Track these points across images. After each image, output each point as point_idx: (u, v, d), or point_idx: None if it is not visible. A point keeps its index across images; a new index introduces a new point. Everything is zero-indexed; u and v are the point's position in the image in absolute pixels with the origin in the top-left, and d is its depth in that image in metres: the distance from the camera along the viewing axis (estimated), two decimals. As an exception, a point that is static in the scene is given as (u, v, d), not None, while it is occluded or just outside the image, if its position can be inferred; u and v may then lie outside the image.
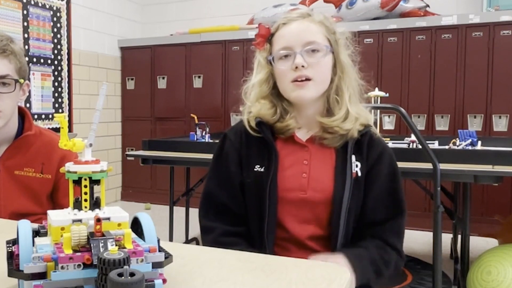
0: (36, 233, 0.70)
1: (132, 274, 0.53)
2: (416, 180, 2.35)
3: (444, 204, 1.89)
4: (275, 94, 1.21)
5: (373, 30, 3.77)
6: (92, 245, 0.60)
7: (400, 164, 1.96)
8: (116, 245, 0.61)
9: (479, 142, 2.22)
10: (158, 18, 5.10)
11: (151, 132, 4.69)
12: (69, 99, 4.15)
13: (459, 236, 2.60)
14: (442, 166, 1.84)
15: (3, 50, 1.31)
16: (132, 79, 4.81)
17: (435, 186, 1.84)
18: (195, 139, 2.68)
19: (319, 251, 1.16)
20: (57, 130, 3.65)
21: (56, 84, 4.01)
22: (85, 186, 0.67)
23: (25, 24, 3.70)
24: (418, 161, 1.97)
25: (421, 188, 2.45)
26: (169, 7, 5.04)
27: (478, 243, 3.12)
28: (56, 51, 4.00)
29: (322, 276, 0.76)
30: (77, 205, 0.67)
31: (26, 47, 3.70)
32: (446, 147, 2.17)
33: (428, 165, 1.84)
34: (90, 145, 0.68)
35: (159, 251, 0.65)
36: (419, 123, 3.68)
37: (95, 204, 0.68)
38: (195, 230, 3.19)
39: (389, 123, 3.78)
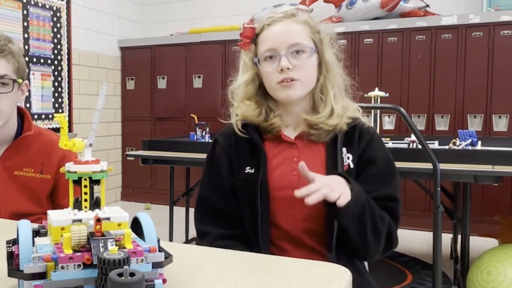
0: (36, 233, 0.70)
1: (132, 274, 0.53)
2: (416, 180, 2.35)
3: (444, 204, 1.89)
4: (261, 94, 1.23)
5: (373, 30, 3.77)
6: (92, 245, 0.60)
7: (400, 164, 1.98)
8: (116, 245, 0.61)
9: (479, 142, 2.22)
10: (158, 18, 5.10)
11: (151, 132, 4.69)
12: (69, 99, 4.15)
13: (459, 236, 2.60)
14: (442, 166, 1.84)
15: (1, 50, 1.31)
16: (132, 79, 4.81)
17: (435, 186, 1.84)
18: (195, 139, 2.68)
19: (316, 248, 1.16)
20: (57, 130, 3.65)
21: (56, 84, 4.01)
22: (85, 186, 0.67)
23: (25, 24, 3.70)
24: (418, 161, 1.97)
25: (421, 188, 2.45)
26: (169, 7, 5.04)
27: (478, 243, 3.12)
28: (56, 51, 4.00)
29: (322, 276, 0.76)
30: (77, 205, 0.67)
31: (26, 47, 3.70)
32: (446, 147, 2.16)
33: (428, 165, 1.84)
34: (90, 145, 0.69)
35: (159, 251, 0.65)
36: (419, 123, 3.68)
37: (95, 204, 0.68)
38: (195, 230, 3.18)
39: (389, 123, 3.78)
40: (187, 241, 3.13)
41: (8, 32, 3.43)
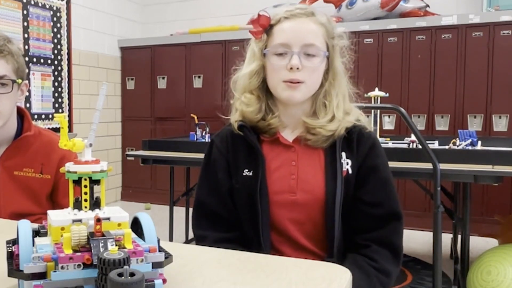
0: (36, 233, 0.70)
1: (132, 274, 0.53)
2: (416, 180, 2.35)
3: (444, 204, 1.89)
4: (263, 89, 1.18)
5: (373, 30, 3.77)
6: (92, 245, 0.60)
7: (400, 164, 1.99)
8: (116, 245, 0.61)
9: (479, 142, 2.22)
10: (158, 18, 5.10)
11: (151, 132, 4.69)
12: (69, 99, 4.15)
13: (459, 236, 2.60)
14: (442, 166, 1.84)
15: (0, 51, 1.31)
16: (132, 79, 4.81)
17: (435, 186, 1.84)
18: (195, 139, 2.68)
19: (317, 252, 1.15)
20: (57, 130, 3.65)
21: (56, 84, 4.01)
22: (85, 186, 0.67)
23: (25, 24, 3.70)
24: (418, 161, 1.96)
25: (421, 188, 2.45)
26: (169, 7, 5.04)
27: (478, 243, 3.12)
28: (56, 51, 4.00)
29: (322, 276, 0.76)
30: (77, 205, 0.67)
31: (26, 47, 3.70)
32: (446, 147, 2.16)
33: (428, 165, 1.84)
34: (90, 145, 0.68)
35: (159, 251, 0.65)
36: (419, 123, 3.68)
37: (95, 204, 0.68)
38: (195, 230, 3.18)
39: (389, 123, 3.78)
40: (187, 241, 3.13)
41: (8, 32, 3.43)
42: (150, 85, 4.69)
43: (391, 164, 1.22)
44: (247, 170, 1.16)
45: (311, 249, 1.15)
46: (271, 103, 1.18)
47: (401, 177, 2.10)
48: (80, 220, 0.65)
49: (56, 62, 4.00)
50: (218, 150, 1.22)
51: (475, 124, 3.54)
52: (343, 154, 1.14)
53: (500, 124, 3.49)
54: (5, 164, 1.39)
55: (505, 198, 3.47)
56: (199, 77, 4.49)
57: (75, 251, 0.60)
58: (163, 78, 4.65)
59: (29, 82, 3.63)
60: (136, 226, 0.71)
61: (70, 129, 4.13)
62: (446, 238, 2.90)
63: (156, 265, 0.63)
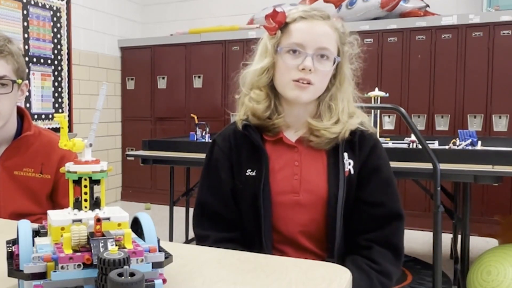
0: (36, 233, 0.70)
1: (132, 274, 0.53)
2: (416, 180, 2.35)
3: (444, 204, 1.89)
4: (272, 87, 1.18)
5: (373, 30, 3.77)
6: (92, 245, 0.60)
7: (400, 164, 1.99)
8: (116, 245, 0.61)
9: (479, 142, 2.22)
10: (158, 18, 5.10)
11: (151, 132, 4.69)
12: (69, 99, 4.15)
13: (459, 236, 2.60)
14: (442, 166, 1.84)
15: (0, 51, 1.31)
16: (132, 79, 4.81)
17: (435, 186, 1.84)
18: (195, 139, 2.68)
19: (318, 253, 1.15)
20: (57, 130, 3.65)
21: (56, 84, 4.01)
22: (85, 186, 0.67)
23: (25, 24, 3.70)
24: (418, 161, 1.96)
25: (421, 188, 2.45)
26: (169, 7, 5.04)
27: (478, 243, 3.12)
28: (56, 51, 4.00)
29: (322, 276, 0.76)
30: (77, 205, 0.67)
31: (26, 47, 3.70)
32: (446, 147, 2.16)
33: (428, 165, 1.84)
34: (90, 145, 0.68)
35: (159, 251, 0.65)
36: (419, 123, 3.68)
37: (95, 204, 0.68)
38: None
39: (389, 123, 3.78)
40: (187, 241, 3.13)
41: (8, 32, 3.43)
42: (150, 85, 4.69)
43: (391, 164, 1.22)
44: (250, 170, 1.16)
45: (312, 250, 1.15)
46: (277, 103, 1.18)
47: (401, 177, 2.09)
48: (80, 220, 0.65)
49: (56, 62, 4.00)
50: (221, 149, 1.21)
51: (475, 124, 3.54)
52: (345, 154, 1.15)
53: (500, 124, 3.49)
54: (5, 164, 1.39)
55: (505, 198, 3.47)
56: (199, 77, 4.49)
57: (75, 251, 0.60)
58: (163, 78, 4.65)
59: (29, 82, 3.63)
60: (136, 226, 0.71)
61: (70, 129, 4.13)
62: (446, 238, 2.90)
63: (156, 265, 0.63)
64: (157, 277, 0.62)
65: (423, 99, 3.67)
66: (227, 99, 4.33)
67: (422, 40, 3.65)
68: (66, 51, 4.10)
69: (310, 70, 1.10)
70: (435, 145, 2.32)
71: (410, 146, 2.21)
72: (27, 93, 1.48)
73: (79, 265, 0.58)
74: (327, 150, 1.16)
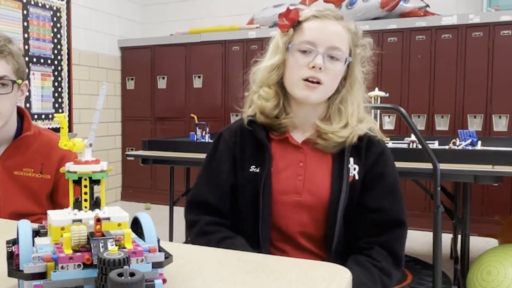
0: (36, 233, 0.70)
1: (132, 274, 0.53)
2: (416, 180, 2.35)
3: (444, 204, 1.89)
4: (282, 85, 1.17)
5: (373, 30, 3.76)
6: (92, 245, 0.60)
7: (400, 164, 1.98)
8: (116, 245, 0.61)
9: (479, 142, 2.22)
10: (158, 18, 5.10)
11: (151, 132, 4.69)
12: (69, 99, 4.15)
13: (459, 236, 2.59)
14: (442, 166, 1.84)
15: (1, 51, 1.31)
16: (132, 79, 4.81)
17: (435, 186, 1.84)
18: (195, 139, 2.68)
19: (315, 252, 1.15)
20: (57, 130, 3.65)
21: (56, 84, 4.01)
22: (85, 186, 0.67)
23: (25, 24, 3.70)
24: (418, 161, 1.96)
25: (421, 188, 2.45)
26: (169, 7, 5.04)
27: (478, 243, 3.12)
28: (56, 51, 4.00)
29: (322, 276, 0.76)
30: (77, 205, 0.67)
31: (26, 47, 3.70)
32: (446, 147, 2.16)
33: (428, 165, 1.84)
34: (90, 145, 0.68)
35: (159, 251, 0.65)
36: (419, 123, 3.68)
37: (95, 204, 0.68)
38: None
39: (389, 123, 3.78)
40: (187, 241, 3.12)
41: (8, 32, 3.43)
42: (150, 85, 4.69)
43: (391, 164, 1.22)
44: (254, 166, 1.15)
45: (311, 250, 1.16)
46: (286, 103, 1.17)
47: (401, 177, 2.09)
48: (80, 220, 0.65)
49: (56, 62, 4.00)
50: (226, 143, 1.21)
51: (475, 124, 3.54)
52: (351, 159, 1.14)
53: (500, 124, 3.49)
54: (5, 164, 1.39)
55: (505, 198, 3.47)
56: (199, 77, 4.49)
57: (75, 251, 0.60)
58: (163, 78, 4.65)
59: (29, 82, 3.63)
60: (136, 226, 0.71)
61: (70, 129, 4.13)
62: (446, 238, 2.90)
63: (156, 265, 0.63)
64: (157, 277, 0.62)
65: (423, 99, 3.67)
66: (227, 99, 4.33)
67: (422, 40, 3.65)
68: (66, 51, 4.10)
69: (320, 68, 1.09)
70: (435, 145, 2.32)
71: (410, 146, 2.21)
72: (27, 93, 1.48)
73: (79, 265, 0.58)
74: (332, 153, 1.15)
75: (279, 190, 1.14)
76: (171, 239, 2.91)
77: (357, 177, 1.14)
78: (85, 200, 0.67)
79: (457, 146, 2.18)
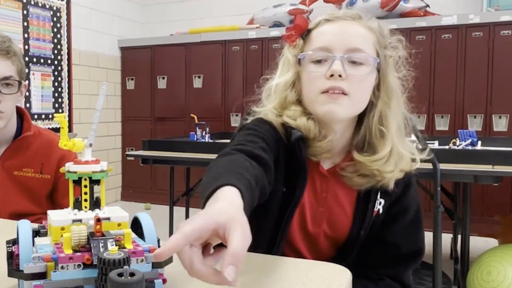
0: (36, 233, 0.70)
1: (132, 274, 0.53)
2: (416, 180, 2.35)
3: (444, 204, 1.89)
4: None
5: (373, 30, 3.76)
6: (92, 245, 0.60)
7: (400, 164, 1.98)
8: (116, 245, 0.61)
9: (479, 142, 2.22)
10: (158, 18, 5.09)
11: (151, 132, 4.69)
12: (69, 99, 4.15)
13: (459, 236, 2.59)
14: (442, 166, 1.84)
15: (7, 52, 1.31)
16: (132, 79, 4.81)
17: (435, 186, 1.84)
18: (195, 139, 2.68)
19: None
20: (57, 130, 3.65)
21: (56, 84, 4.01)
22: (85, 186, 0.67)
23: (25, 24, 3.70)
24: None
25: (421, 188, 2.45)
26: (169, 7, 5.04)
27: (478, 243, 3.12)
28: (56, 51, 4.00)
29: (322, 276, 0.75)
30: (77, 205, 0.67)
31: (26, 47, 3.70)
32: (446, 147, 2.16)
33: (428, 165, 1.84)
34: (90, 145, 0.68)
35: (159, 251, 0.64)
36: (419, 123, 3.68)
37: (95, 204, 0.68)
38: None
39: (389, 123, 3.77)
40: (187, 241, 3.12)
41: (8, 32, 3.43)
42: (150, 85, 4.69)
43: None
44: (282, 185, 0.99)
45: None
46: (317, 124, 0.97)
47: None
48: (80, 220, 0.65)
49: (56, 62, 4.00)
50: (271, 134, 0.95)
51: (475, 124, 3.54)
52: (378, 192, 0.99)
53: (500, 124, 3.49)
54: (5, 164, 1.39)
55: (505, 198, 3.47)
56: (199, 77, 4.49)
57: (75, 251, 0.60)
58: (163, 78, 4.65)
59: (29, 82, 3.64)
60: (136, 226, 0.71)
61: (70, 129, 4.13)
62: (446, 238, 2.89)
63: (156, 265, 0.63)
64: (157, 277, 0.62)
65: (423, 99, 3.67)
66: (227, 99, 4.33)
67: (422, 40, 3.65)
68: (66, 51, 4.10)
69: (340, 76, 0.89)
70: (435, 145, 2.32)
71: (410, 146, 2.21)
72: (27, 93, 1.48)
73: (79, 265, 0.58)
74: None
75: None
76: (171, 239, 2.90)
77: (381, 211, 1.01)
78: (85, 200, 0.67)
79: (457, 146, 2.18)
